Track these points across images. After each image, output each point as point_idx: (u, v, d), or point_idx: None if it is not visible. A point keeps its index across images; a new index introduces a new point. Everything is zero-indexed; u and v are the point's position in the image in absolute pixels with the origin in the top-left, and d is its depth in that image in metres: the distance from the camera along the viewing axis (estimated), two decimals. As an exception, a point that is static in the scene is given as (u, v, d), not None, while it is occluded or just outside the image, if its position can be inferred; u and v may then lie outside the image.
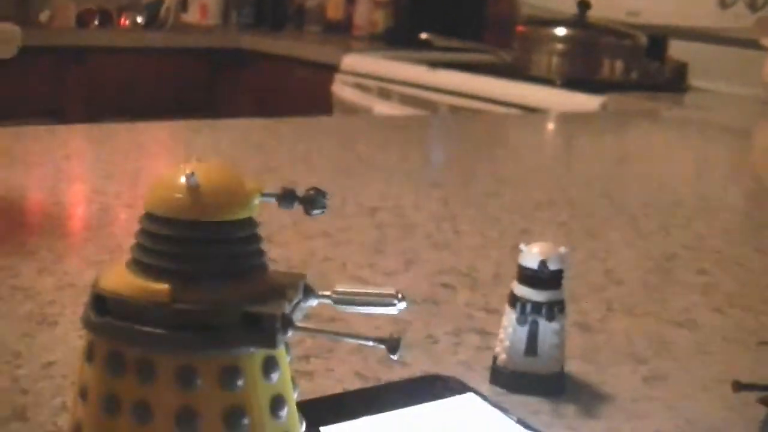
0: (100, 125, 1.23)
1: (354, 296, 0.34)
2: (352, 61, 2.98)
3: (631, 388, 0.52)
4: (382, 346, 0.31)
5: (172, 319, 0.30)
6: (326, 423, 0.42)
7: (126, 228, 0.71)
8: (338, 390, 0.47)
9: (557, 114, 2.18)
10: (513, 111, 2.35)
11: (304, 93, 3.26)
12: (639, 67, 2.59)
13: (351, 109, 2.90)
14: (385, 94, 2.82)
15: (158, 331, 0.30)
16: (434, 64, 2.72)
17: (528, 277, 0.49)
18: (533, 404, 0.49)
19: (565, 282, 0.50)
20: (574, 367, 0.53)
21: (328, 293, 0.34)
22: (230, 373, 0.31)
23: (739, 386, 0.42)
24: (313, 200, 0.33)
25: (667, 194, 1.09)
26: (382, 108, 2.73)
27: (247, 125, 1.36)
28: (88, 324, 0.32)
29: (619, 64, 2.54)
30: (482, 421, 0.45)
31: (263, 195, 0.33)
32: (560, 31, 2.52)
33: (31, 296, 0.58)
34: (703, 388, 0.52)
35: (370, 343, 0.31)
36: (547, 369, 0.50)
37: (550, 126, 1.90)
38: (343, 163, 1.11)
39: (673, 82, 2.67)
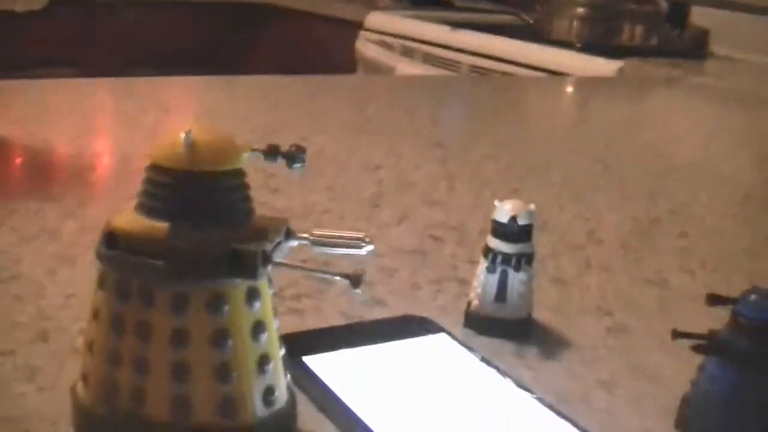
0: (123, 79, 1.28)
1: (327, 239, 0.40)
2: (375, 19, 3.01)
3: (592, 337, 0.58)
4: (347, 281, 0.37)
5: (168, 254, 0.36)
6: (309, 353, 0.48)
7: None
8: (316, 326, 0.53)
9: (573, 78, 2.21)
10: (532, 73, 2.38)
11: (328, 50, 3.30)
12: (659, 33, 2.61)
13: (374, 67, 2.94)
14: (408, 53, 2.85)
15: (157, 263, 0.36)
16: (456, 25, 2.75)
17: (499, 230, 0.54)
18: (499, 346, 0.54)
19: (535, 236, 0.56)
20: (543, 316, 0.59)
21: (305, 235, 0.40)
22: (217, 301, 0.37)
23: (676, 334, 0.48)
24: (293, 156, 0.39)
25: (663, 161, 1.14)
26: (405, 67, 2.77)
27: (265, 82, 1.42)
28: (100, 256, 0.38)
29: (639, 30, 2.56)
30: (450, 359, 0.50)
31: (252, 150, 0.38)
32: (582, -5, 2.55)
33: (55, 238, 0.65)
34: (661, 341, 0.58)
35: (337, 278, 0.37)
36: (514, 315, 0.55)
37: (565, 90, 1.94)
38: (353, 122, 1.16)
39: (693, 48, 2.69)
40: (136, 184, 0.38)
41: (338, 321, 0.54)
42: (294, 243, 0.40)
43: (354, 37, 3.04)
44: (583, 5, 2.54)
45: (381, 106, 1.31)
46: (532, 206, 0.55)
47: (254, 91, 1.27)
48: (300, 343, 0.47)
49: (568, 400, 0.48)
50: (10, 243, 0.63)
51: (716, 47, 2.77)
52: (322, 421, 0.43)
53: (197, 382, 0.37)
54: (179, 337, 0.37)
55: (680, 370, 0.52)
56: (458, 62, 2.66)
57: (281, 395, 0.40)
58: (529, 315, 0.57)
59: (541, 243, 0.60)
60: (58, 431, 0.41)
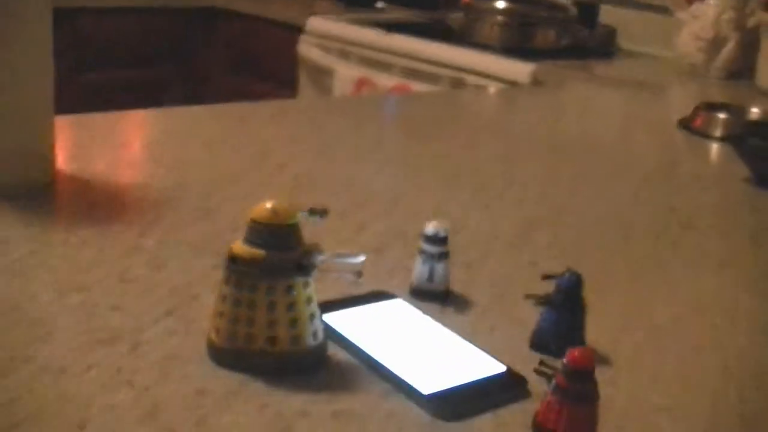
0: (115, 114, 1.66)
1: (341, 254, 0.79)
2: (315, 23, 3.38)
3: (485, 301, 0.98)
4: (354, 275, 0.77)
5: (265, 266, 0.75)
6: (325, 312, 0.87)
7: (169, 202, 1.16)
8: (327, 298, 0.92)
9: (492, 89, 2.63)
10: (456, 74, 2.79)
11: (272, 51, 3.67)
12: (571, 34, 3.03)
13: (315, 69, 3.32)
14: (345, 56, 3.24)
15: (258, 272, 0.75)
16: (390, 27, 3.13)
17: (427, 239, 0.94)
18: (431, 307, 0.94)
19: (451, 238, 0.96)
20: (456, 287, 0.99)
21: (330, 253, 0.79)
22: (290, 288, 0.76)
23: (527, 296, 0.88)
24: (323, 213, 0.78)
25: (566, 157, 1.56)
26: (343, 69, 3.16)
27: (237, 110, 1.80)
28: (227, 268, 0.77)
29: (552, 32, 2.98)
30: (405, 312, 0.90)
31: (302, 212, 0.78)
32: (500, 4, 2.96)
33: (140, 252, 1.03)
34: (524, 301, 0.98)
35: (348, 274, 0.77)
36: (438, 288, 0.96)
37: (482, 100, 2.35)
38: (316, 145, 1.56)
39: (603, 46, 3.12)
40: (178, 206, 0.77)
41: (335, 296, 0.94)
42: (323, 256, 0.79)
43: (296, 40, 3.41)
44: (500, 12, 2.95)
45: (337, 127, 1.70)
46: (447, 224, 0.95)
47: (234, 122, 1.66)
48: (322, 308, 0.87)
49: (471, 335, 0.88)
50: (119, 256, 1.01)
51: (623, 44, 3.20)
52: (336, 348, 0.83)
53: (279, 329, 0.77)
54: (271, 307, 0.76)
55: (533, 317, 0.92)
56: (390, 64, 3.05)
57: (320, 335, 0.80)
58: (447, 288, 0.97)
59: (456, 240, 1.01)
60: (202, 360, 0.80)
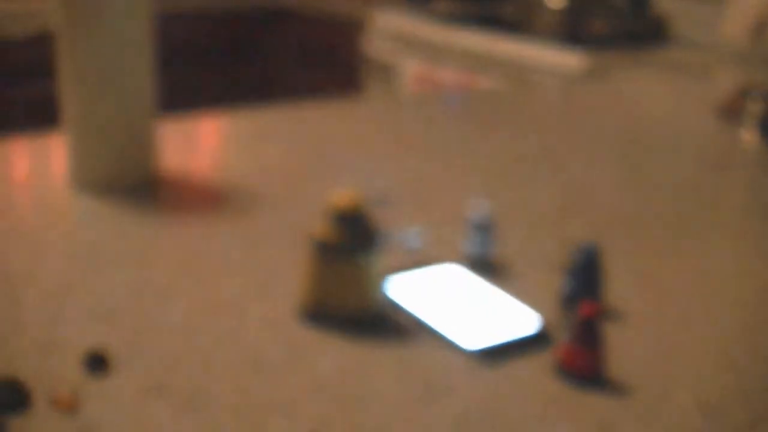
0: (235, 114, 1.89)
1: (403, 234, 1.01)
2: (379, 19, 3.59)
3: (525, 267, 1.19)
4: (416, 248, 0.98)
5: (346, 244, 0.97)
6: (389, 279, 1.08)
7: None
8: (393, 267, 1.14)
9: (547, 84, 2.81)
10: (513, 64, 2.98)
11: (338, 47, 3.89)
12: (623, 23, 3.19)
13: (379, 63, 3.53)
14: (408, 50, 3.45)
15: (337, 249, 0.97)
16: (449, 21, 3.32)
17: (477, 219, 1.15)
18: (480, 273, 1.15)
19: (497, 218, 1.17)
20: (501, 256, 1.20)
21: (391, 233, 1.01)
22: (366, 260, 0.98)
23: (558, 265, 1.08)
24: (386, 201, 1.00)
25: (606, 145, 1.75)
26: (405, 62, 3.37)
27: (313, 111, 2.03)
28: (313, 246, 0.99)
29: (604, 22, 3.14)
30: (458, 275, 1.12)
31: (370, 201, 0.99)
32: (554, -6, 3.14)
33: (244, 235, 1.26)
34: (559, 272, 1.18)
35: (411, 249, 0.99)
36: (486, 258, 1.17)
37: (537, 96, 2.54)
38: (383, 141, 1.77)
39: (654, 34, 3.27)
40: (276, 199, 0.99)
41: (398, 267, 1.16)
42: (389, 235, 1.01)
43: (361, 36, 3.62)
44: (554, 3, 3.12)
45: (401, 127, 1.92)
46: (491, 208, 1.16)
47: (301, 120, 1.89)
48: (388, 276, 1.08)
49: (508, 293, 1.09)
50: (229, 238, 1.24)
51: (673, 31, 3.34)
52: (398, 308, 1.05)
53: (353, 293, 0.98)
54: (346, 277, 0.98)
55: (561, 280, 1.12)
56: (452, 57, 3.25)
57: (386, 299, 1.01)
58: (493, 258, 1.18)
59: (503, 220, 1.22)
60: (295, 318, 1.02)
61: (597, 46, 2.95)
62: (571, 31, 3.11)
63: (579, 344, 0.90)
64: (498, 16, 3.33)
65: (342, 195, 0.99)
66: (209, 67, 3.98)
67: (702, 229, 1.37)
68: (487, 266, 1.16)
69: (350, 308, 0.99)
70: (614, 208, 1.45)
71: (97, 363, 0.91)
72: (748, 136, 1.97)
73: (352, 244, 0.98)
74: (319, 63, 4.03)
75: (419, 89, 3.30)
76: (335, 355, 0.95)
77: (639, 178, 1.62)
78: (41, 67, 3.22)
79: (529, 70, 2.99)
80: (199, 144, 1.70)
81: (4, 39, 3.30)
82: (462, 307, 1.05)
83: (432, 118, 2.00)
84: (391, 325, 1.02)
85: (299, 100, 2.44)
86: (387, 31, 3.53)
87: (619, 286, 1.13)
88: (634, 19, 3.23)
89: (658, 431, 0.84)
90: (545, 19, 3.15)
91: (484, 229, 1.16)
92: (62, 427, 0.80)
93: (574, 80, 2.78)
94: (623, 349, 0.98)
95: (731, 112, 2.08)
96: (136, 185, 1.41)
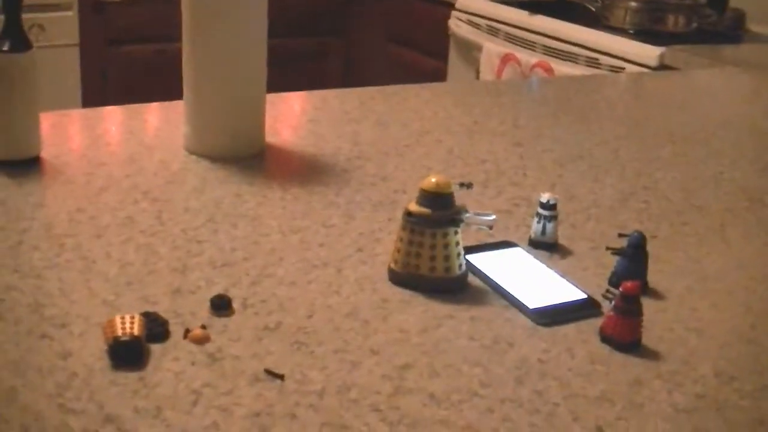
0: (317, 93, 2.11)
1: (480, 214, 1.21)
2: (465, 0, 3.77)
3: (583, 250, 1.38)
4: (488, 228, 1.19)
5: (429, 220, 1.18)
6: (467, 254, 1.28)
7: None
8: (468, 244, 1.34)
9: (623, 75, 2.97)
10: (591, 54, 3.14)
11: (424, 24, 4.08)
12: (700, 18, 3.32)
13: (464, 43, 3.72)
14: (492, 32, 3.62)
15: (425, 223, 1.18)
16: (533, 8, 3.49)
17: (542, 205, 1.35)
18: (542, 253, 1.35)
19: (560, 205, 1.36)
20: (563, 241, 1.39)
21: (471, 212, 1.21)
22: (447, 233, 1.18)
23: (607, 248, 1.27)
24: (470, 186, 1.20)
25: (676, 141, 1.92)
26: (489, 44, 3.55)
27: (401, 92, 2.23)
28: (405, 219, 1.19)
29: (682, 17, 3.28)
30: (523, 257, 1.31)
31: (455, 184, 1.19)
32: (634, -12, 3.28)
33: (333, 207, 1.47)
34: (610, 256, 1.37)
35: (484, 227, 1.19)
36: (549, 240, 1.36)
37: (611, 86, 2.71)
38: (466, 124, 1.97)
39: (731, 29, 3.38)
40: (362, 175, 1.20)
41: (474, 242, 1.36)
42: (468, 215, 1.21)
43: (448, 16, 3.80)
44: (634, -2, 3.27)
45: (482, 111, 2.11)
46: (556, 196, 1.35)
47: (388, 101, 2.09)
48: (465, 250, 1.28)
49: (568, 273, 1.29)
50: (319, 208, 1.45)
51: (753, 26, 3.45)
52: (473, 277, 1.25)
53: (437, 261, 1.19)
54: (432, 246, 1.18)
55: (612, 263, 1.31)
56: (534, 42, 3.42)
57: (463, 267, 1.22)
58: (556, 241, 1.37)
59: (567, 206, 1.41)
60: (384, 280, 1.23)
61: (674, 40, 3.09)
62: (649, 24, 3.25)
63: (620, 314, 1.09)
64: (578, 5, 3.48)
65: (432, 177, 1.19)
66: (296, 36, 4.19)
67: (751, 225, 1.55)
68: (549, 246, 1.36)
69: (433, 274, 1.19)
70: (670, 201, 1.63)
71: (222, 305, 1.12)
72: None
73: (438, 219, 1.18)
74: (405, 43, 4.22)
75: (501, 72, 3.48)
76: (418, 311, 1.16)
77: (695, 172, 1.79)
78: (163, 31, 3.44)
79: (606, 61, 3.14)
80: (301, 120, 1.92)
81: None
82: (526, 277, 1.25)
83: (510, 101, 2.19)
84: (466, 290, 1.22)
85: (386, 80, 2.65)
86: (471, 13, 3.71)
87: (663, 269, 1.31)
88: (712, 14, 3.35)
89: (679, 391, 1.03)
90: (624, 11, 3.30)
91: (549, 214, 1.35)
92: (195, 356, 1.01)
93: (650, 74, 2.93)
94: (657, 321, 1.17)
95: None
96: (246, 157, 1.63)
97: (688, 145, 1.97)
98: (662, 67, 2.96)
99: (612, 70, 3.10)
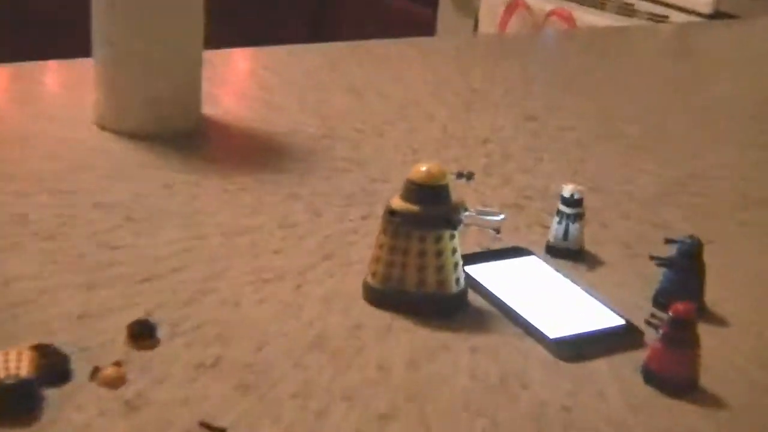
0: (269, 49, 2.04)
1: (483, 212, 1.15)
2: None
3: (616, 259, 1.33)
4: (494, 230, 1.13)
5: (418, 220, 1.12)
6: (467, 265, 1.22)
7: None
8: (468, 251, 1.28)
9: (663, 25, 2.92)
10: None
11: None
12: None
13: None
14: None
15: (412, 224, 1.12)
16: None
17: (564, 201, 1.29)
18: (564, 263, 1.29)
19: (587, 199, 1.30)
20: (591, 246, 1.34)
21: (473, 210, 1.15)
22: (439, 238, 1.12)
23: (651, 257, 1.22)
24: (470, 176, 1.14)
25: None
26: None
27: (379, 49, 2.17)
28: (386, 219, 1.13)
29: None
30: (540, 268, 1.26)
31: (451, 173, 1.13)
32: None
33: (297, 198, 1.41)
34: (644, 264, 1.32)
35: (489, 229, 1.13)
36: (572, 247, 1.30)
37: (648, 40, 2.65)
38: (463, 93, 1.91)
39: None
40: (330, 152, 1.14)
41: (476, 248, 1.30)
42: (467, 213, 1.15)
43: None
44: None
45: (483, 76, 2.05)
46: (581, 188, 1.29)
47: (374, 59, 2.03)
48: (465, 259, 1.22)
49: (599, 290, 1.23)
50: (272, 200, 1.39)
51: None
52: (475, 295, 1.19)
53: (428, 274, 1.13)
54: (421, 254, 1.12)
55: (658, 276, 1.26)
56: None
57: (462, 282, 1.16)
58: (581, 247, 1.32)
59: (594, 200, 1.36)
60: (359, 299, 1.17)
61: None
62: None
63: (670, 346, 1.03)
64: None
65: (422, 164, 1.13)
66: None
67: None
68: (573, 254, 1.30)
69: (423, 290, 1.13)
70: (727, 193, 1.58)
71: (144, 334, 1.05)
72: None
73: (430, 219, 1.12)
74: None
75: (506, 23, 3.42)
76: (403, 340, 1.10)
77: (747, 159, 1.74)
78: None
79: (643, 7, 3.08)
80: (249, 85, 1.85)
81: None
82: (544, 296, 1.19)
83: (519, 62, 2.13)
84: (465, 310, 1.17)
85: (360, 32, 2.59)
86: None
87: (720, 285, 1.26)
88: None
89: (749, 447, 0.98)
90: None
91: (572, 212, 1.29)
92: (106, 403, 0.94)
93: (700, 24, 2.88)
94: (718, 355, 1.12)
95: None
96: (177, 134, 1.56)
97: (749, 119, 1.92)
98: (717, 15, 2.90)
99: (651, 20, 3.04)
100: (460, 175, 1.15)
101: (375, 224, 1.18)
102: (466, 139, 1.67)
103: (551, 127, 1.76)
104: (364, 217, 1.35)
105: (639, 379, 1.07)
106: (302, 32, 4.33)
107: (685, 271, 1.19)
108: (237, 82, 1.87)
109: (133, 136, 1.54)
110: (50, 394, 0.95)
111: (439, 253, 1.14)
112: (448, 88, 1.91)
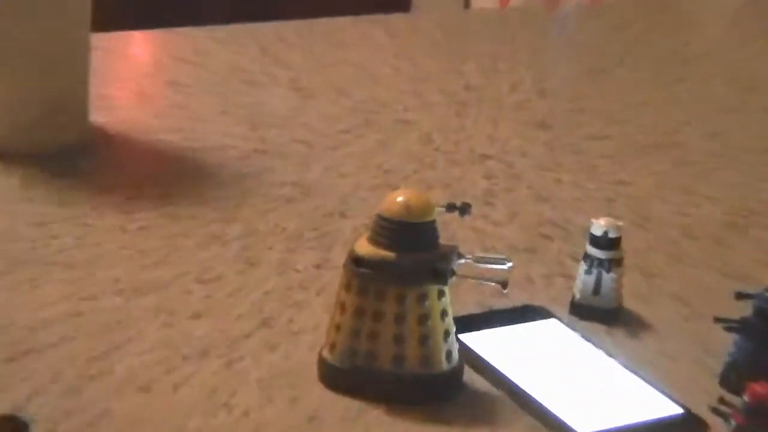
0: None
1: (484, 258, 1.14)
2: None
3: (668, 321, 1.32)
4: (499, 285, 1.12)
5: (395, 271, 1.11)
6: (462, 332, 1.21)
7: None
8: (463, 313, 1.26)
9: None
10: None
11: None
12: None
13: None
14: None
15: (386, 277, 1.11)
16: None
17: (595, 241, 1.29)
18: (598, 329, 1.28)
19: (625, 239, 1.30)
20: (631, 304, 1.33)
21: (470, 256, 1.14)
22: (422, 297, 1.11)
23: (715, 319, 1.21)
24: (464, 209, 1.14)
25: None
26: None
27: (327, 28, 2.16)
28: (350, 271, 1.12)
29: None
30: (562, 335, 1.25)
31: (439, 206, 1.13)
32: None
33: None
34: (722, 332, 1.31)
35: (492, 283, 1.12)
36: (607, 305, 1.30)
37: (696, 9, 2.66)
38: (447, 85, 1.90)
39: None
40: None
41: (474, 308, 1.29)
42: (463, 261, 1.14)
43: None
44: None
45: (478, 69, 2.04)
46: (620, 223, 1.29)
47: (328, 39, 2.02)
48: (459, 323, 1.21)
49: (644, 365, 1.22)
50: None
51: None
52: (473, 375, 1.18)
53: (408, 346, 1.12)
54: (399, 319, 1.11)
55: (726, 345, 1.25)
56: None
57: (455, 357, 1.15)
58: (619, 304, 1.31)
59: (637, 238, 1.35)
60: (312, 380, 1.15)
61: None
62: None
63: (749, 442, 1.03)
64: None
65: (400, 194, 1.12)
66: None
67: None
68: (608, 314, 1.29)
69: (401, 369, 1.12)
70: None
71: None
72: None
73: (413, 269, 1.11)
74: None
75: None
76: (375, 437, 1.09)
77: None
78: None
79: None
80: (155, 82, 1.84)
81: None
82: (569, 374, 1.18)
83: (528, 45, 2.13)
84: (459, 395, 1.15)
85: (314, 12, 2.57)
86: None
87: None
88: None
89: None
90: None
91: (606, 256, 1.29)
92: None
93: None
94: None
95: None
96: (58, 151, 1.55)
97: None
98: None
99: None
100: (451, 207, 1.14)
101: (333, 277, 1.16)
102: (457, 154, 1.66)
103: (573, 136, 1.75)
104: (316, 266, 1.33)
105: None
106: (225, 7, 4.30)
107: (763, 338, 1.18)
108: (138, 77, 1.86)
109: (8, 151, 1.52)
110: None
111: (424, 318, 1.13)
112: (432, 83, 1.91)
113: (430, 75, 1.82)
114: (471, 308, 1.28)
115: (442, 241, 1.14)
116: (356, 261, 1.13)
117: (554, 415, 1.12)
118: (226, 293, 1.29)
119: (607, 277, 1.30)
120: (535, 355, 1.22)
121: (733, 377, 1.20)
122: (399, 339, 1.13)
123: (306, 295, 1.30)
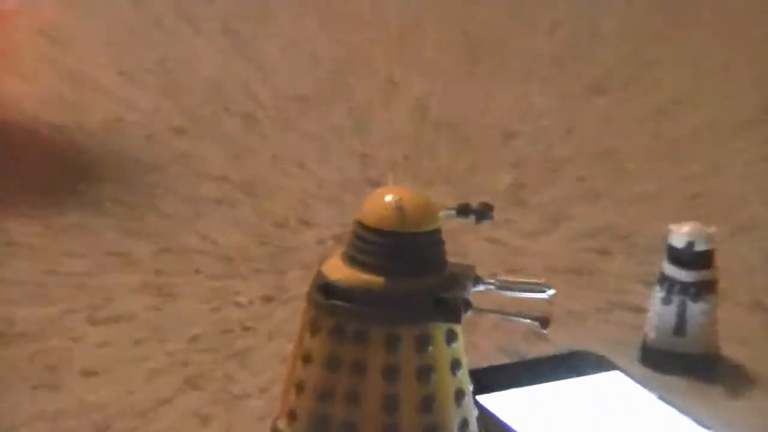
0: None
1: (511, 284, 1.14)
2: None
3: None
4: (536, 323, 1.12)
5: (383, 302, 1.11)
6: (482, 392, 1.22)
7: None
8: (483, 363, 1.27)
9: None
10: None
11: None
12: None
13: None
14: None
15: (373, 310, 1.11)
16: None
17: (675, 256, 1.28)
18: (681, 384, 1.28)
19: (719, 257, 1.29)
20: (732, 349, 1.33)
21: (492, 281, 1.14)
22: (423, 340, 1.12)
23: None
24: (482, 213, 1.14)
25: None
26: None
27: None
28: (317, 304, 1.13)
29: None
30: (625, 398, 1.25)
31: (446, 210, 1.13)
32: None
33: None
34: None
35: (527, 321, 1.12)
36: (696, 349, 1.30)
37: None
38: (458, 45, 1.90)
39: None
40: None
41: (498, 357, 1.29)
42: (481, 288, 1.14)
43: None
44: None
45: (494, 21, 2.05)
46: (712, 229, 1.29)
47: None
48: (477, 379, 1.21)
49: (741, 421, 1.22)
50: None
51: None
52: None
53: (404, 413, 1.12)
54: (391, 372, 1.12)
55: None
56: None
57: (473, 428, 1.15)
58: (714, 348, 1.31)
59: (734, 258, 1.34)
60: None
61: None
62: None
63: None
64: None
65: (389, 192, 1.12)
66: None
67: None
68: (696, 362, 1.29)
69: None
70: None
71: None
72: None
73: (410, 301, 1.11)
74: None
75: None
76: None
77: None
78: None
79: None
80: (16, 32, 1.84)
81: None
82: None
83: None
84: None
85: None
86: None
87: None
88: None
89: None
90: None
91: (693, 278, 1.28)
92: None
93: None
94: None
95: None
96: None
97: None
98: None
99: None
100: (463, 211, 1.12)
101: (290, 313, 1.17)
102: (468, 131, 1.66)
103: (635, 106, 1.76)
104: (266, 298, 1.33)
105: None
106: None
107: None
108: (13, 48, 1.86)
109: None
110: None
111: (426, 372, 1.12)
112: (427, 27, 1.91)
113: (425, 15, 1.81)
114: (495, 357, 1.28)
115: (450, 259, 1.14)
116: (326, 289, 1.13)
117: None
118: (132, 339, 1.29)
119: (695, 309, 1.29)
120: (590, 425, 1.22)
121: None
122: (390, 403, 1.12)
123: (251, 340, 1.30)
